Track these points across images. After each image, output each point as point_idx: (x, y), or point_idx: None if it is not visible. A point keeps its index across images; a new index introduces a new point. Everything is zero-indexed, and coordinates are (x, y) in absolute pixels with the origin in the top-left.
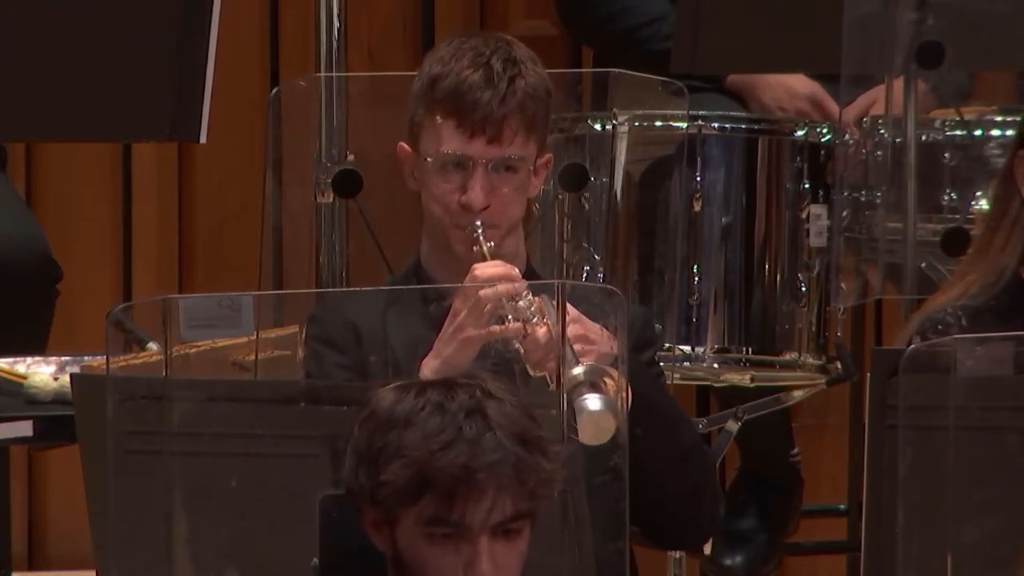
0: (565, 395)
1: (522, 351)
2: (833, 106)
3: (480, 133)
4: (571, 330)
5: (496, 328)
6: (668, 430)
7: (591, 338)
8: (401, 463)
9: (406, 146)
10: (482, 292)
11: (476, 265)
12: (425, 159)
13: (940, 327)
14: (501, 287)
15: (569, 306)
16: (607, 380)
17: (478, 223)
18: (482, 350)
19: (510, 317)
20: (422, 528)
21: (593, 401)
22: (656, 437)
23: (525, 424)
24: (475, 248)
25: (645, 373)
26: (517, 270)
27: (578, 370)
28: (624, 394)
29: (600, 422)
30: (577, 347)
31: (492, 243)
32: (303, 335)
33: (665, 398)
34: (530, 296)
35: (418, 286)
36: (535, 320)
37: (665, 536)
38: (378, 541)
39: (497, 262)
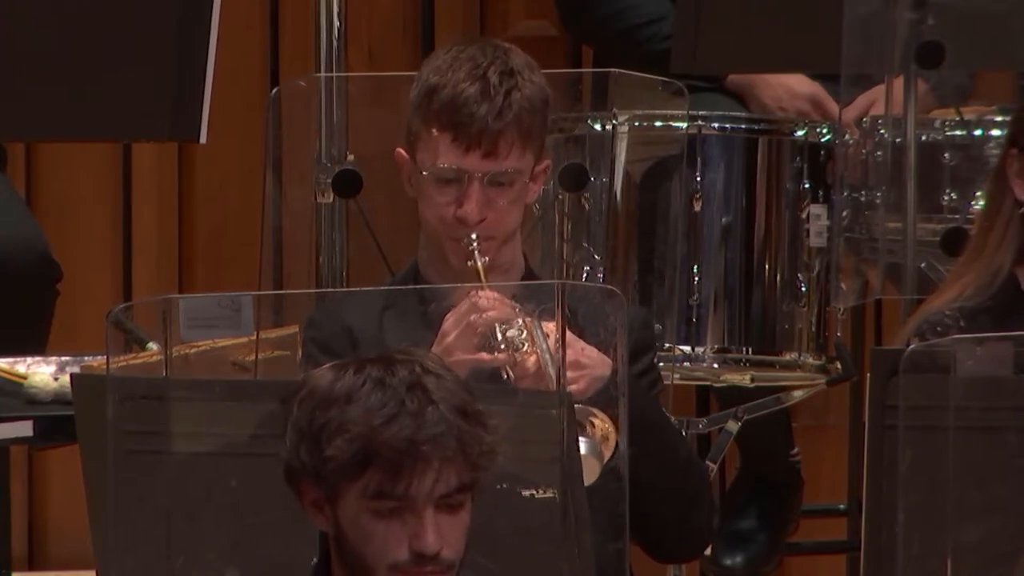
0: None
1: (511, 379)
2: (833, 106)
3: (476, 147)
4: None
5: (485, 356)
6: (660, 443)
7: (583, 363)
8: (345, 438)
9: (404, 152)
10: (473, 318)
11: (469, 292)
12: (421, 172)
13: (939, 329)
14: (492, 314)
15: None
16: (593, 420)
17: (474, 236)
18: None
19: (502, 345)
20: (367, 503)
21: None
22: (649, 452)
23: (464, 398)
24: (469, 263)
25: (637, 387)
26: (509, 300)
27: None
28: (615, 425)
29: (584, 466)
30: (568, 374)
31: (487, 258)
32: (302, 337)
33: (658, 413)
34: (521, 322)
35: (415, 286)
36: (525, 349)
37: (662, 549)
38: (318, 520)
39: (489, 293)
